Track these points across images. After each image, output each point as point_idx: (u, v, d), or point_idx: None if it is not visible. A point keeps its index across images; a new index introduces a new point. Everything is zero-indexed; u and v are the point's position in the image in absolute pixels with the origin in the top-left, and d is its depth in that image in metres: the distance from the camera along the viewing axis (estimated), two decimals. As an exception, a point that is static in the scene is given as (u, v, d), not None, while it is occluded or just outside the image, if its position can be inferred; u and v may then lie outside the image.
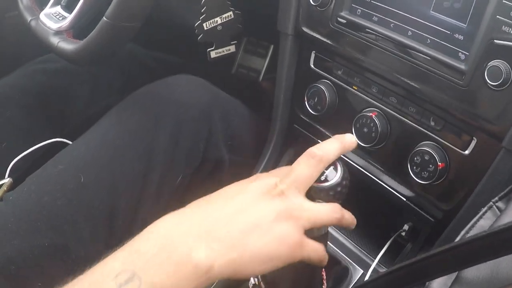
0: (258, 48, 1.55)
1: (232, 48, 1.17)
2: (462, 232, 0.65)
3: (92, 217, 0.91)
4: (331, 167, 0.73)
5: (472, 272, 0.60)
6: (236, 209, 0.64)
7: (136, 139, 1.00)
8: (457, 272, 0.62)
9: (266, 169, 1.15)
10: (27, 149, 1.11)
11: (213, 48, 1.15)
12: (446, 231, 0.88)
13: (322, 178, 0.71)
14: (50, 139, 1.18)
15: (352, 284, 0.94)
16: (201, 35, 1.11)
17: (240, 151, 1.18)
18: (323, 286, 0.87)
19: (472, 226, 0.66)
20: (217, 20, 1.12)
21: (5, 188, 0.95)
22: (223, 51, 1.17)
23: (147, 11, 0.89)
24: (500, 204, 0.68)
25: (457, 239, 0.64)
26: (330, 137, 1.01)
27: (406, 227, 1.01)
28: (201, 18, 1.10)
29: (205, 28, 1.11)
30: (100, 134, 1.01)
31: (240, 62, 1.47)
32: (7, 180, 0.97)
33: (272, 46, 1.61)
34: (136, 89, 1.13)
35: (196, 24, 1.10)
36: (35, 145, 1.13)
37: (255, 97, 1.45)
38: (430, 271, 0.55)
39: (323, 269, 0.87)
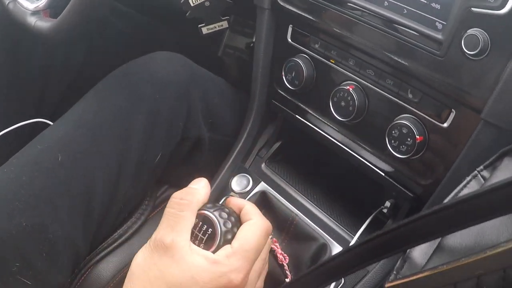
0: (245, 27, 1.53)
1: (224, 24, 1.16)
2: (446, 200, 0.65)
3: (69, 196, 0.90)
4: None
5: (455, 240, 0.60)
6: None
7: (115, 118, 0.99)
8: (439, 240, 0.62)
9: (245, 147, 1.14)
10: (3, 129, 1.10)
11: (203, 24, 1.13)
12: (426, 205, 0.87)
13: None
14: (28, 119, 1.17)
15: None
16: (189, 12, 1.09)
17: (220, 129, 1.17)
18: (287, 279, 0.87)
19: (456, 195, 0.66)
20: (203, -4, 1.10)
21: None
22: (215, 27, 1.15)
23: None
24: (484, 173, 0.68)
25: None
26: (309, 112, 1.01)
27: (387, 203, 1.00)
28: (186, -7, 1.08)
29: (192, 4, 1.09)
30: (78, 114, 1.00)
31: (227, 42, 1.45)
32: (-13, 161, 0.96)
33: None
34: (115, 63, 1.11)
35: (182, 1, 1.08)
36: (13, 124, 1.12)
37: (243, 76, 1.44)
38: (411, 238, 0.53)
39: (283, 262, 0.87)
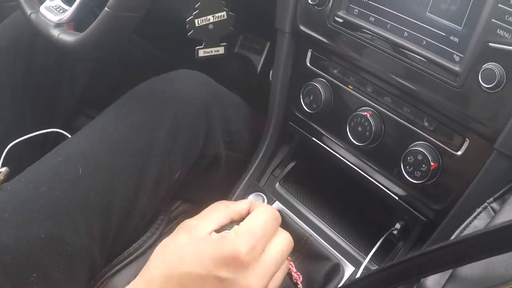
0: (254, 44, 1.54)
1: (221, 50, 1.17)
2: (457, 232, 0.66)
3: (88, 209, 0.90)
4: None
5: (467, 270, 0.61)
6: None
7: (135, 134, 1.00)
8: (451, 270, 0.62)
9: (260, 166, 1.16)
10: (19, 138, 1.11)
11: (202, 46, 1.15)
12: (438, 230, 0.88)
13: None
14: (42, 128, 1.17)
15: (344, 281, 0.95)
16: (192, 31, 1.11)
17: (237, 147, 1.19)
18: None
19: (467, 226, 0.67)
20: (209, 18, 1.11)
21: (2, 177, 0.95)
22: (212, 51, 1.16)
23: (148, 1, 0.90)
24: (494, 205, 0.69)
25: (452, 238, 0.65)
26: (325, 135, 1.03)
27: (398, 225, 1.01)
28: (194, 13, 1.09)
29: (197, 25, 1.10)
30: (100, 128, 1.01)
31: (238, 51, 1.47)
32: (3, 169, 0.97)
33: (268, 43, 1.61)
34: (130, 82, 1.13)
35: (188, 19, 1.10)
36: (27, 134, 1.13)
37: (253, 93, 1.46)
38: (425, 268, 0.55)
39: (297, 280, 0.89)
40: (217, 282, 0.68)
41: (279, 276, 0.77)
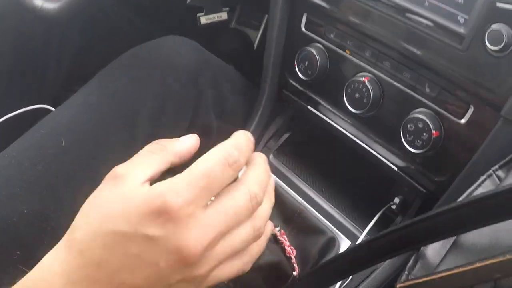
0: (252, 19, 1.52)
1: (224, 15, 1.14)
2: (460, 199, 0.63)
3: (72, 183, 0.88)
4: None
5: (470, 239, 0.59)
6: None
7: (121, 104, 0.97)
8: (453, 238, 0.61)
9: (253, 136, 1.12)
10: (5, 115, 1.09)
11: (203, 13, 1.11)
12: (439, 203, 0.86)
13: None
14: (29, 105, 1.15)
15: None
16: None
17: (229, 117, 1.16)
18: (295, 272, 0.85)
19: (470, 194, 0.65)
20: (209, -18, 1.08)
21: (-14, 155, 0.92)
22: (214, 17, 1.13)
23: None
24: (500, 172, 0.67)
25: (454, 205, 0.62)
26: (321, 103, 0.99)
27: (396, 200, 0.99)
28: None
29: None
30: (84, 99, 0.99)
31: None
32: (-13, 146, 0.95)
33: (266, 16, 1.58)
34: (118, 49, 1.09)
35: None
36: (13, 111, 1.11)
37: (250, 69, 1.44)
38: (425, 235, 0.52)
39: (290, 255, 0.85)
40: (144, 241, 0.55)
41: (243, 243, 0.61)
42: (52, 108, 1.11)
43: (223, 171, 0.57)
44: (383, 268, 0.88)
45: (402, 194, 0.99)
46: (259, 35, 1.63)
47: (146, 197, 0.55)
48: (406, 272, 0.62)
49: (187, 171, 0.55)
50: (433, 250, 0.61)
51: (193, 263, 0.56)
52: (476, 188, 0.66)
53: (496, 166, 0.67)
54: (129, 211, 0.55)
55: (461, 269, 0.50)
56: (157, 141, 0.63)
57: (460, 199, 0.63)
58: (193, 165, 0.56)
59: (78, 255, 0.58)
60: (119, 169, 0.60)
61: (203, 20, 1.12)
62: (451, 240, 0.61)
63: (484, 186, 0.66)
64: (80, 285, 0.57)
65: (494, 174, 0.66)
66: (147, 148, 0.62)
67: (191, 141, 0.65)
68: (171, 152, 0.62)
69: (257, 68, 1.12)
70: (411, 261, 0.62)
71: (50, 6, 0.96)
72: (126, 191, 0.57)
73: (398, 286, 0.58)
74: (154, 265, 0.56)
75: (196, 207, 0.55)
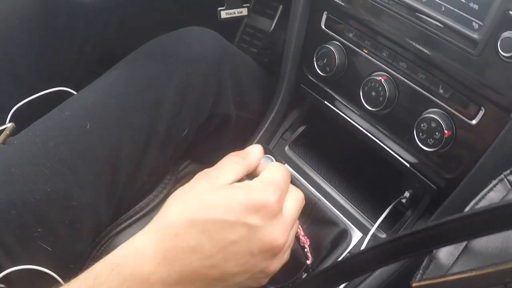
0: (267, 8, 1.52)
1: (244, 11, 1.15)
2: (472, 203, 0.66)
3: (95, 164, 0.90)
4: None
5: (481, 244, 0.61)
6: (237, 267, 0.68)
7: (144, 90, 1.00)
8: (465, 243, 0.62)
9: (270, 128, 1.15)
10: (29, 97, 1.10)
11: (224, 8, 1.13)
12: (448, 200, 0.88)
13: None
14: (51, 87, 1.16)
15: (351, 246, 0.95)
16: None
17: (247, 107, 1.18)
18: (308, 260, 0.88)
19: (482, 197, 0.67)
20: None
21: (8, 132, 0.94)
22: (235, 13, 1.15)
23: None
24: (511, 177, 0.68)
25: (467, 209, 0.65)
26: (338, 99, 1.01)
27: (407, 194, 1.01)
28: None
29: None
30: (108, 83, 1.01)
31: (247, 21, 1.44)
32: (9, 124, 0.96)
33: (281, 6, 1.58)
34: (142, 37, 1.12)
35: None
36: (37, 93, 1.12)
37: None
38: (438, 240, 0.54)
39: (304, 244, 0.88)
40: (244, 229, 0.66)
41: (293, 233, 0.77)
42: (73, 91, 1.12)
43: (288, 179, 0.76)
44: (381, 270, 0.91)
45: (412, 188, 1.01)
46: (273, 25, 1.63)
47: (249, 191, 0.69)
48: (420, 272, 0.63)
49: (268, 176, 0.73)
50: (446, 252, 0.63)
51: (277, 253, 0.70)
52: (488, 192, 0.67)
53: (508, 171, 0.68)
54: (231, 203, 0.67)
55: (474, 273, 0.52)
56: (236, 152, 0.78)
57: (472, 203, 0.66)
58: (270, 171, 0.74)
59: (174, 237, 0.66)
60: (210, 171, 0.73)
61: (223, 14, 1.13)
62: (464, 242, 0.63)
63: (495, 190, 0.67)
64: (173, 265, 0.66)
65: (505, 179, 0.68)
66: (232, 158, 0.76)
67: (259, 154, 0.80)
68: (248, 163, 0.77)
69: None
70: (425, 261, 0.64)
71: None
72: (221, 186, 0.70)
73: (413, 285, 0.59)
74: (248, 252, 0.68)
75: (282, 204, 0.72)
